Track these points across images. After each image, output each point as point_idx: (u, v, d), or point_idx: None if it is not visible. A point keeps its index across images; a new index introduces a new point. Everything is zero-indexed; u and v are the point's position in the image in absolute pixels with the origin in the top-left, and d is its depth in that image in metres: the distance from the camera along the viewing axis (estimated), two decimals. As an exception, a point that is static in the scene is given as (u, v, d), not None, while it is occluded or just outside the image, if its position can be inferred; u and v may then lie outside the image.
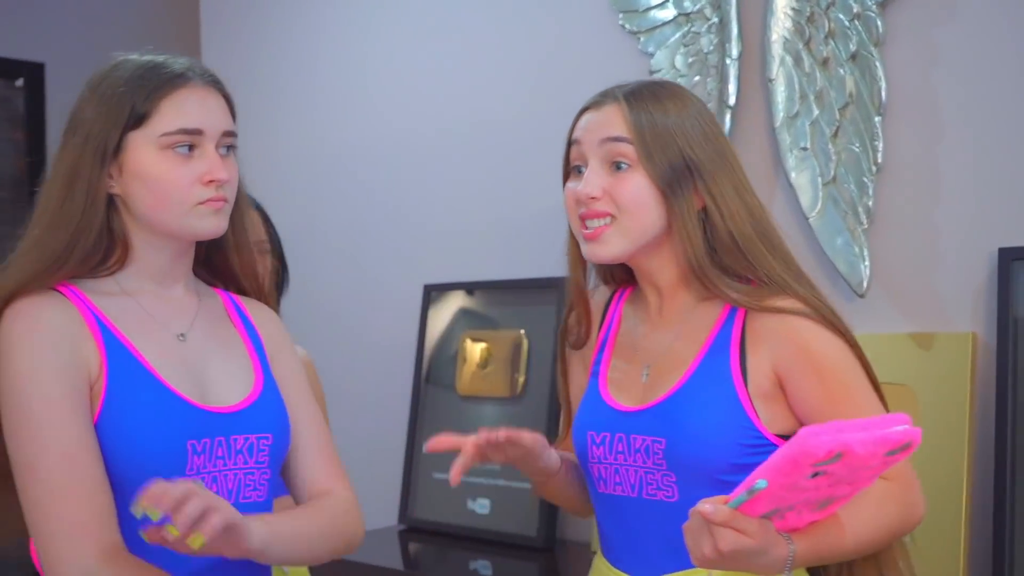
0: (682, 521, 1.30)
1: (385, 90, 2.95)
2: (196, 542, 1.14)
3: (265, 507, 1.43)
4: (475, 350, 2.65)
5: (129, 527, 1.25)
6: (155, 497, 1.13)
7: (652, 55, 2.39)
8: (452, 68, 2.79)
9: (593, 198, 1.44)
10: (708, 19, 2.30)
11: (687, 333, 1.49)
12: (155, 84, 1.37)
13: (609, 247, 1.46)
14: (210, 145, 1.39)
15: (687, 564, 1.34)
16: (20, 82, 4.13)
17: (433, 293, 2.79)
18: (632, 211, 1.44)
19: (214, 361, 1.44)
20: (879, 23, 2.07)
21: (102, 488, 1.28)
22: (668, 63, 2.36)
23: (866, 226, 2.06)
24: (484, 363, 2.63)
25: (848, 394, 1.39)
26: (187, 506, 1.13)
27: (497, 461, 1.46)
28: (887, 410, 1.40)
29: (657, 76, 2.30)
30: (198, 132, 1.37)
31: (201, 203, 1.37)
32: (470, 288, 2.73)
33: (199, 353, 1.43)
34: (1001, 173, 1.96)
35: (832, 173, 2.10)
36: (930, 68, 2.04)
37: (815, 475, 1.15)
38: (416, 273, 2.84)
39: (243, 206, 1.50)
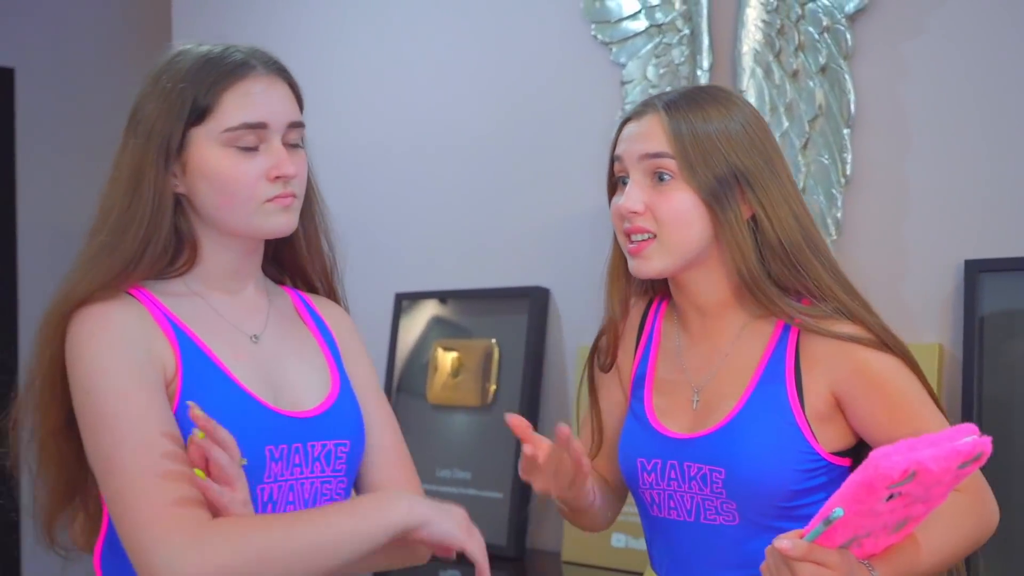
0: (744, 541, 1.32)
1: (356, 99, 2.95)
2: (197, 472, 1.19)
3: None
4: (447, 359, 2.65)
5: None
6: (205, 423, 1.18)
7: (624, 66, 2.39)
8: (424, 78, 2.79)
9: (635, 212, 1.41)
10: (680, 31, 2.31)
11: (738, 355, 1.46)
12: (215, 76, 1.31)
13: (653, 263, 1.42)
14: (276, 139, 1.33)
15: None
16: (-11, 87, 4.10)
17: (404, 302, 2.79)
18: (673, 226, 1.40)
19: (289, 363, 1.39)
20: (848, 36, 2.08)
21: (183, 476, 1.21)
22: (640, 74, 2.37)
23: (835, 237, 2.08)
24: (455, 372, 2.63)
25: (913, 412, 1.37)
26: (214, 451, 1.18)
27: (551, 484, 1.39)
28: (948, 421, 1.38)
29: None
30: (262, 126, 1.31)
31: (269, 200, 1.32)
32: (442, 297, 2.73)
33: (273, 355, 1.39)
34: (968, 185, 1.98)
35: (801, 185, 2.11)
36: (899, 81, 2.05)
37: (890, 498, 1.13)
38: (387, 281, 2.83)
39: (313, 200, 1.45)
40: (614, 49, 2.41)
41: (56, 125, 4.25)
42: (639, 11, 2.37)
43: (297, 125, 1.36)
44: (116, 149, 1.35)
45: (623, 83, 2.39)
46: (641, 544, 2.17)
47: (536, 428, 1.51)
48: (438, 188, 2.76)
